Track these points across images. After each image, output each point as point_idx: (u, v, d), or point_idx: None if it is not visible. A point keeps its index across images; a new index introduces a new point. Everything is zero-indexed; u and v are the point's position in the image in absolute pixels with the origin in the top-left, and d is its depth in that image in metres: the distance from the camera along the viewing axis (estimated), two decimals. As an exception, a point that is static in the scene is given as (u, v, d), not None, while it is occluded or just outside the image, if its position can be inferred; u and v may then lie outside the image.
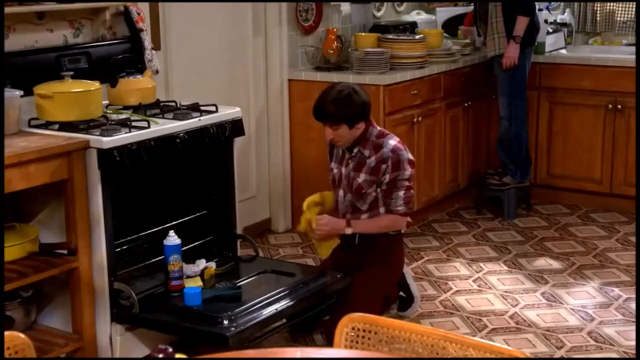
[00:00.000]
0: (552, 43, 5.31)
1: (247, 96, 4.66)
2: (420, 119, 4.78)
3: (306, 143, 4.79)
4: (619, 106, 5.01)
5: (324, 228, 3.54)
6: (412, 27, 5.24)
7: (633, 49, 5.33)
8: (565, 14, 5.57)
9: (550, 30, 5.33)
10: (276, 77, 4.75)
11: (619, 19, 5.46)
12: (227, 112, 3.64)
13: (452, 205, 5.29)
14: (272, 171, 4.88)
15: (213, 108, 3.62)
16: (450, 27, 5.57)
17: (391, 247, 3.62)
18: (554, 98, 5.26)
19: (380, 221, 3.54)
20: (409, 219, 3.61)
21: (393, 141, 3.51)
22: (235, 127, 3.67)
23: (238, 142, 3.78)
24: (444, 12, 5.66)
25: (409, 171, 3.49)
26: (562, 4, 5.65)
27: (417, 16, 5.57)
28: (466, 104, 5.19)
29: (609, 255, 4.46)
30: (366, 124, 3.51)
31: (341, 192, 3.60)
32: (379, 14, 5.40)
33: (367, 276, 3.52)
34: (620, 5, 5.43)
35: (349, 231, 3.53)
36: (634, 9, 5.41)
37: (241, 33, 4.59)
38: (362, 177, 3.50)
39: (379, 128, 3.58)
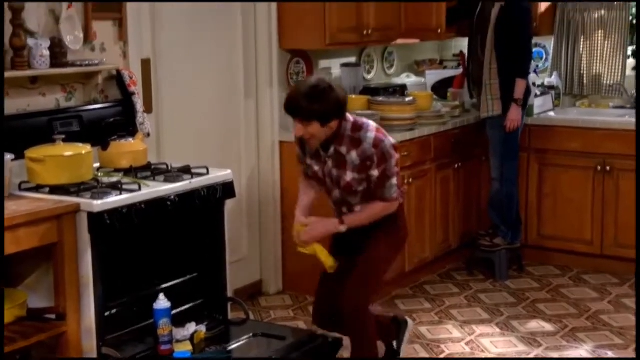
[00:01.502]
0: (540, 105, 5.37)
1: (238, 158, 4.68)
2: (410, 180, 4.80)
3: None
4: (608, 168, 5.05)
5: (316, 231, 3.40)
6: (402, 89, 5.30)
7: (620, 111, 5.41)
8: (553, 77, 5.65)
9: (539, 93, 5.40)
10: (267, 139, 4.77)
11: (605, 82, 5.54)
12: (218, 175, 3.65)
13: (444, 267, 5.28)
14: (263, 232, 4.87)
15: (204, 170, 3.63)
16: (440, 89, 5.64)
17: (394, 217, 3.46)
18: (544, 159, 5.30)
19: (373, 210, 3.39)
20: (400, 199, 3.47)
21: (371, 133, 3.32)
22: (227, 189, 3.68)
23: (229, 203, 3.78)
24: (433, 75, 5.73)
25: (394, 158, 3.34)
26: (549, 67, 5.73)
27: (407, 79, 5.64)
28: (456, 165, 5.22)
29: (601, 318, 4.44)
30: (339, 121, 3.32)
31: (329, 190, 3.45)
32: (369, 77, 5.46)
33: (369, 255, 3.40)
34: (607, 69, 5.51)
35: (343, 229, 3.38)
36: (620, 73, 5.49)
37: (233, 95, 4.63)
38: (349, 176, 3.34)
39: (352, 119, 3.37)
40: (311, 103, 3.23)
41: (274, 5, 4.65)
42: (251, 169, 4.78)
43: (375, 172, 3.31)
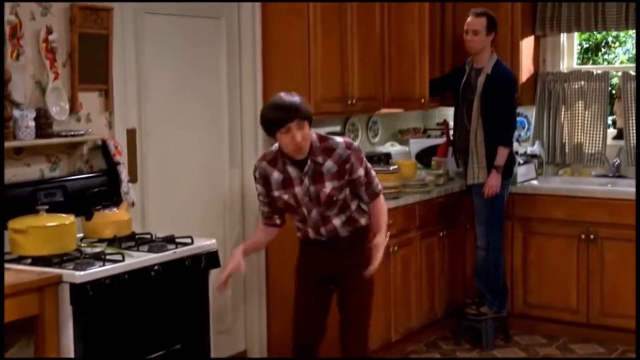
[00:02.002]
0: (523, 174, 5.42)
1: (222, 228, 4.67)
2: (396, 248, 4.79)
3: (283, 273, 4.76)
4: (592, 236, 5.06)
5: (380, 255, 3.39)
6: (386, 158, 5.34)
7: (602, 180, 5.46)
8: (535, 145, 5.71)
9: (521, 162, 5.45)
10: (252, 208, 4.76)
11: (587, 151, 5.60)
12: (202, 244, 3.64)
13: (430, 336, 5.23)
14: (247, 303, 4.83)
15: (189, 240, 3.62)
16: (424, 157, 5.67)
17: (365, 244, 3.48)
18: (528, 228, 5.32)
19: (379, 209, 3.50)
20: None
21: (339, 138, 3.40)
22: (211, 258, 3.67)
23: (214, 273, 3.75)
24: (417, 144, 5.78)
25: (363, 154, 3.45)
26: (531, 136, 5.80)
27: (391, 147, 5.68)
28: (441, 234, 5.22)
29: (589, 388, 4.41)
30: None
31: (304, 211, 3.40)
32: (354, 146, 5.50)
33: (362, 279, 3.43)
34: (588, 138, 5.58)
35: (383, 240, 3.44)
36: (601, 142, 5.55)
37: (217, 165, 4.65)
38: (328, 186, 3.33)
39: (315, 134, 3.38)
40: (301, 104, 3.27)
41: (259, 74, 4.71)
42: (236, 238, 4.76)
43: (360, 172, 3.39)
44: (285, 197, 3.39)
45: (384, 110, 5.32)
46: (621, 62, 6.20)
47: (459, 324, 5.18)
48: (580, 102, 5.61)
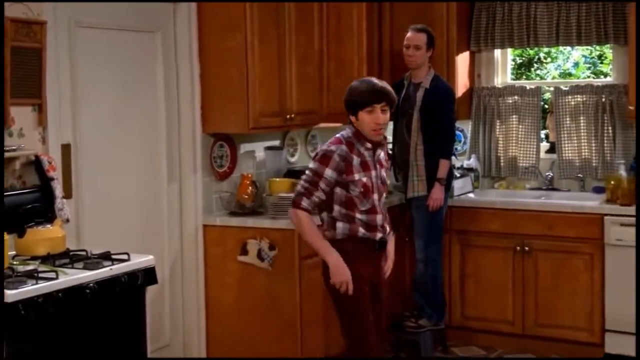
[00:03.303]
0: (460, 187, 5.49)
1: (161, 243, 4.61)
2: (334, 262, 4.79)
3: (221, 289, 4.74)
4: (527, 248, 5.16)
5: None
6: (325, 172, 5.35)
7: (536, 192, 5.57)
8: (471, 159, 5.80)
9: (458, 175, 5.53)
10: (191, 223, 4.73)
11: (521, 164, 5.71)
12: (139, 260, 3.59)
13: (370, 349, 5.24)
14: (186, 319, 4.77)
15: (125, 256, 3.56)
16: (363, 172, 5.70)
17: None
18: (465, 240, 5.39)
19: None
20: None
21: None
22: (148, 275, 3.62)
23: (151, 290, 3.70)
24: (357, 158, 5.80)
25: None
26: (467, 150, 5.89)
27: (330, 162, 5.69)
28: (380, 247, 5.25)
29: (525, 398, 4.48)
30: None
31: (376, 196, 3.56)
32: (292, 159, 5.51)
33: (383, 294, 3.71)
34: (522, 151, 5.69)
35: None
36: (534, 155, 5.67)
37: (155, 180, 4.59)
38: (384, 173, 3.62)
39: None
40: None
41: (197, 89, 4.68)
42: (174, 253, 4.71)
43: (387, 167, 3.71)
44: (365, 179, 3.52)
45: (323, 125, 5.34)
46: (553, 78, 6.36)
47: (397, 336, 5.21)
48: (514, 116, 5.73)
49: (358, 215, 3.54)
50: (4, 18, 3.59)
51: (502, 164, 5.78)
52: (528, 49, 6.04)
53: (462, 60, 5.69)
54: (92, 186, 4.16)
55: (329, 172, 3.48)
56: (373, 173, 3.55)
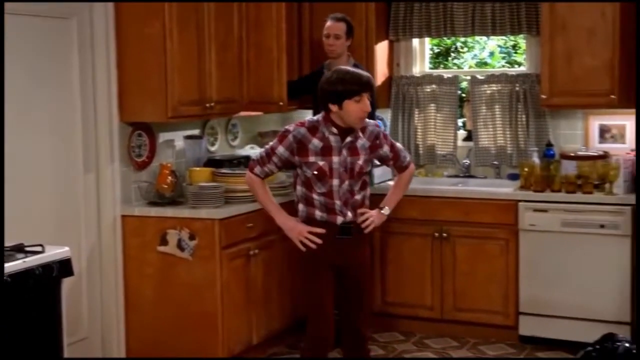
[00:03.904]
0: (379, 175, 5.55)
1: (77, 234, 4.52)
2: (256, 251, 4.80)
3: (141, 280, 4.68)
4: (445, 234, 5.25)
5: (378, 221, 3.82)
6: (246, 160, 5.32)
7: (454, 180, 5.68)
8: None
9: (378, 163, 5.56)
10: (109, 214, 4.65)
11: (439, 152, 5.81)
12: (54, 252, 3.53)
13: (292, 337, 5.26)
14: (104, 311, 4.70)
15: (39, 248, 3.49)
16: (284, 160, 5.70)
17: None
18: (386, 227, 5.40)
19: (403, 180, 3.96)
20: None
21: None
22: (64, 267, 3.56)
23: (67, 282, 3.63)
24: (277, 146, 5.80)
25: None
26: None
27: (251, 150, 5.67)
28: (302, 235, 5.26)
29: (443, 381, 4.58)
30: None
31: (336, 182, 3.63)
32: (213, 149, 5.47)
33: (366, 268, 3.85)
34: (440, 140, 5.79)
35: (388, 212, 3.89)
36: (452, 143, 5.78)
37: (71, 170, 4.50)
38: (362, 159, 3.67)
39: None
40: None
41: (114, 77, 4.60)
42: (92, 244, 4.63)
43: (386, 148, 3.78)
44: (321, 163, 3.62)
45: (243, 113, 5.32)
46: (470, 67, 6.48)
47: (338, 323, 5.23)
48: (432, 105, 5.81)
49: (315, 197, 3.67)
50: None
51: (420, 151, 5.87)
52: (445, 38, 6.14)
53: (381, 49, 5.75)
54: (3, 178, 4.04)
55: (280, 149, 3.67)
56: (335, 159, 3.63)
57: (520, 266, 5.08)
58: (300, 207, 3.76)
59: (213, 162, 5.13)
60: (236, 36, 5.08)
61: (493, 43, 6.50)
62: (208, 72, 4.82)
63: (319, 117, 3.70)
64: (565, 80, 5.11)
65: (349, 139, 3.65)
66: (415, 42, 5.94)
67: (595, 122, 5.40)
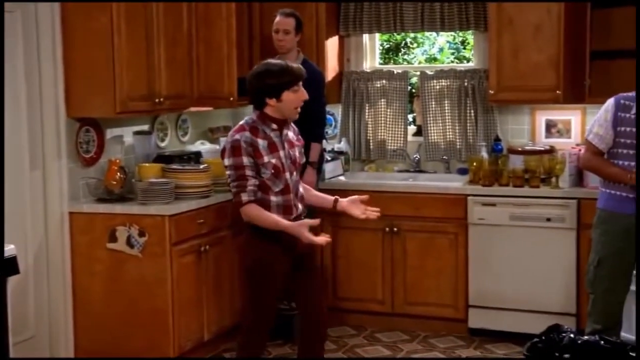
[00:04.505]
0: (331, 170, 5.57)
1: (23, 232, 4.44)
2: (207, 247, 4.78)
3: (90, 277, 4.63)
4: (395, 229, 5.29)
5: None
6: (196, 156, 5.30)
7: (404, 175, 5.72)
8: (342, 142, 5.89)
9: (329, 159, 5.60)
10: (56, 210, 4.58)
11: (389, 147, 5.84)
12: None
13: (243, 333, 5.25)
14: (52, 309, 4.63)
15: (-16, 247, 3.41)
16: (235, 156, 5.68)
17: None
18: (336, 223, 5.45)
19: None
20: None
21: None
22: (9, 265, 3.50)
23: (13, 280, 3.57)
24: (228, 142, 5.78)
25: None
26: (338, 133, 5.97)
27: (202, 146, 5.65)
28: (253, 231, 5.26)
29: (394, 374, 4.62)
30: None
31: (288, 175, 3.64)
32: (163, 144, 5.42)
33: (316, 261, 3.92)
34: (390, 135, 5.83)
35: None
36: (402, 138, 5.82)
37: (16, 167, 4.41)
38: (296, 151, 3.72)
39: None
40: None
41: (60, 72, 4.53)
42: (38, 242, 4.55)
43: (300, 145, 3.81)
44: (274, 160, 3.60)
45: (193, 109, 5.28)
46: (419, 62, 6.53)
47: (271, 319, 5.24)
48: (382, 100, 5.85)
49: (273, 198, 3.62)
50: None
51: (371, 147, 5.90)
52: (395, 34, 6.18)
53: (332, 45, 5.76)
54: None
55: (245, 160, 3.55)
56: (281, 153, 3.63)
57: (469, 260, 5.15)
58: None
59: (163, 158, 5.09)
60: (186, 32, 5.04)
61: (442, 39, 6.57)
62: (157, 67, 4.77)
63: (252, 117, 3.64)
64: (512, 76, 5.18)
65: (285, 131, 3.69)
66: (366, 37, 5.97)
67: (542, 117, 5.50)
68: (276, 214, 3.60)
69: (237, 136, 3.57)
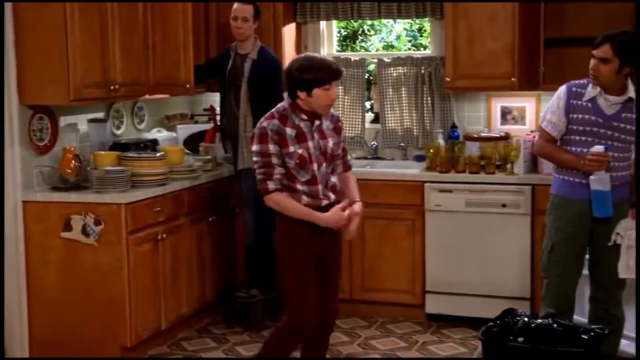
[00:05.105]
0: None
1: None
2: (164, 235, 4.75)
3: (45, 267, 4.57)
4: (353, 215, 5.31)
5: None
6: (153, 144, 5.26)
7: (362, 162, 5.74)
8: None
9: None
10: (9, 199, 4.51)
11: (347, 134, 5.84)
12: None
13: (201, 321, 5.25)
14: (6, 299, 4.54)
15: None
16: (192, 143, 5.67)
17: None
18: (294, 210, 5.47)
19: (354, 179, 3.86)
20: None
21: None
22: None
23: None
24: (185, 130, 5.76)
25: None
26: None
27: (158, 134, 5.61)
28: (211, 219, 5.25)
29: (352, 360, 4.65)
30: None
31: (315, 167, 3.58)
32: (118, 132, 5.37)
33: (339, 254, 3.85)
34: (348, 122, 5.83)
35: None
36: (360, 126, 5.83)
37: (-32, 155, 4.34)
38: (331, 141, 3.65)
39: None
40: None
41: (11, 58, 4.45)
42: (-8, 233, 4.48)
43: (342, 136, 3.76)
44: (300, 151, 3.55)
45: (150, 96, 5.23)
46: (377, 50, 6.55)
47: (229, 307, 5.24)
48: (340, 87, 5.85)
49: (299, 187, 3.59)
50: None
51: (329, 134, 5.89)
52: (352, 21, 6.18)
53: (289, 32, 5.75)
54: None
55: (271, 148, 3.54)
56: (310, 144, 3.58)
57: (426, 246, 5.19)
58: None
59: (119, 146, 5.04)
60: (141, 19, 4.99)
61: (400, 27, 6.59)
62: (112, 54, 4.72)
63: (284, 105, 3.61)
64: (468, 64, 5.22)
65: (317, 122, 3.62)
66: (323, 24, 5.97)
67: (497, 104, 5.55)
68: (305, 197, 3.59)
69: (265, 123, 3.56)
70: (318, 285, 3.68)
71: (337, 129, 3.73)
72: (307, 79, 3.52)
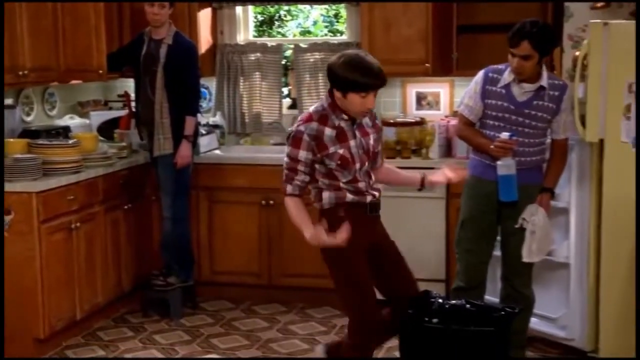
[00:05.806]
0: (206, 144, 5.52)
1: None
2: (78, 224, 4.66)
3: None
4: (271, 202, 5.31)
5: None
6: (65, 131, 5.14)
7: (280, 148, 5.71)
8: (217, 116, 5.84)
9: (204, 132, 5.54)
10: None
11: (265, 120, 5.85)
12: None
13: (118, 311, 5.17)
14: None
15: None
16: (106, 130, 5.56)
17: None
18: (213, 197, 5.44)
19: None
20: None
21: None
22: None
23: None
24: (99, 116, 5.64)
25: None
26: (213, 107, 5.92)
27: (71, 120, 5.48)
28: (126, 207, 5.17)
29: (271, 346, 4.65)
30: None
31: (357, 166, 3.45)
32: (28, 119, 5.22)
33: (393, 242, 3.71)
34: (265, 108, 5.82)
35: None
36: (277, 111, 5.82)
37: None
38: (371, 138, 3.52)
39: None
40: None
41: None
42: None
43: (380, 134, 3.66)
44: (341, 151, 3.41)
45: (61, 82, 5.10)
46: (294, 35, 6.55)
47: (146, 296, 5.18)
48: (257, 73, 5.83)
49: (343, 185, 3.47)
50: None
51: (246, 120, 5.88)
52: (269, 6, 6.15)
53: (204, 17, 5.69)
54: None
55: (303, 154, 3.38)
56: (352, 143, 3.43)
57: (344, 230, 5.22)
58: (327, 194, 3.46)
59: (29, 133, 4.91)
60: (50, 3, 4.84)
61: (316, 12, 6.60)
62: (19, 38, 4.56)
63: (323, 104, 3.43)
64: (384, 49, 5.26)
65: (357, 120, 3.46)
66: (239, 9, 5.92)
67: (412, 90, 5.63)
68: (349, 194, 3.47)
69: (302, 127, 3.38)
70: (389, 277, 3.65)
71: (376, 127, 3.58)
72: (346, 78, 3.32)
